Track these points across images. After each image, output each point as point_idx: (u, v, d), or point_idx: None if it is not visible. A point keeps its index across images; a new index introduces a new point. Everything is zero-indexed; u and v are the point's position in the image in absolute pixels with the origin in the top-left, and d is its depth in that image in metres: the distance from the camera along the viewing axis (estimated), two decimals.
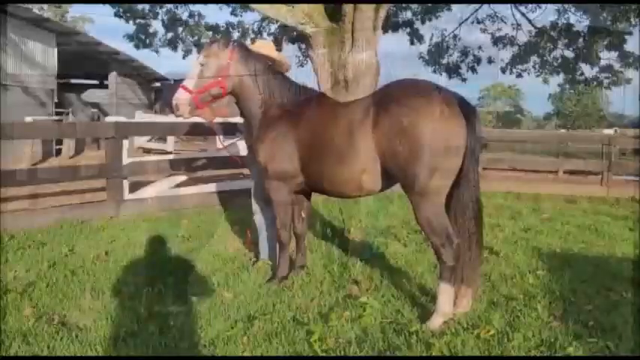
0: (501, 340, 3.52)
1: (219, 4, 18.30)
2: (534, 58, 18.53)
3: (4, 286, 4.13)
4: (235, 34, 19.86)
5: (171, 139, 14.67)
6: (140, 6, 17.60)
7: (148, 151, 15.16)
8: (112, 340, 3.32)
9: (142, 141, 16.44)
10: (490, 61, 18.75)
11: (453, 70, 19.34)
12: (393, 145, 3.71)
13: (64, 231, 5.94)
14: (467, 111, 3.67)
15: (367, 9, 10.73)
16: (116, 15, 17.21)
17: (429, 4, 17.65)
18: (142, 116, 17.03)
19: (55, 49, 15.39)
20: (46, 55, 14.90)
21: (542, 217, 7.64)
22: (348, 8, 11.00)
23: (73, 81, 21.36)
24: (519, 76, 18.60)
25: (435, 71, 19.51)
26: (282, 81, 4.51)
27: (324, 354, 3.28)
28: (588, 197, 9.56)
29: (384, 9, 11.29)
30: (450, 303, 3.78)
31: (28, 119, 11.93)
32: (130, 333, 3.43)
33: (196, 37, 19.42)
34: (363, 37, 11.01)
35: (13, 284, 4.20)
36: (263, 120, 4.44)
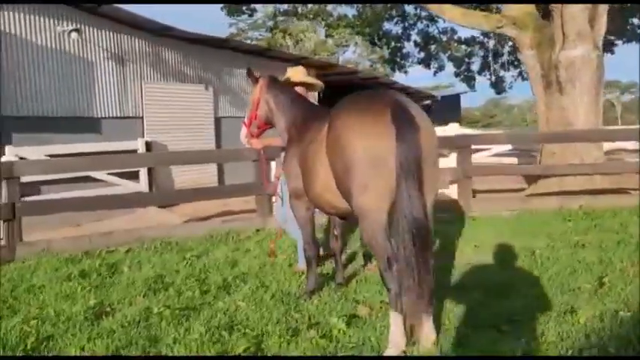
0: None
1: None
2: None
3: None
4: (491, 43, 19.25)
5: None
6: (394, 31, 18.71)
7: None
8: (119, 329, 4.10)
9: None
10: None
11: None
12: (330, 161, 3.63)
13: (214, 240, 7.11)
14: (400, 122, 3.31)
15: None
16: (371, 43, 18.65)
17: None
18: None
19: None
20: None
21: None
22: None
23: None
24: None
25: None
26: (301, 104, 4.71)
27: None
28: None
29: None
30: (399, 333, 3.41)
31: None
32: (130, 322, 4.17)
33: (449, 52, 19.51)
34: (574, 31, 9.75)
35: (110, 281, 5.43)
36: (287, 142, 4.72)
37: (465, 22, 10.62)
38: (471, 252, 5.89)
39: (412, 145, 3.26)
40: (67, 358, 3.68)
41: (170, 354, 3.61)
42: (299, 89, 5.13)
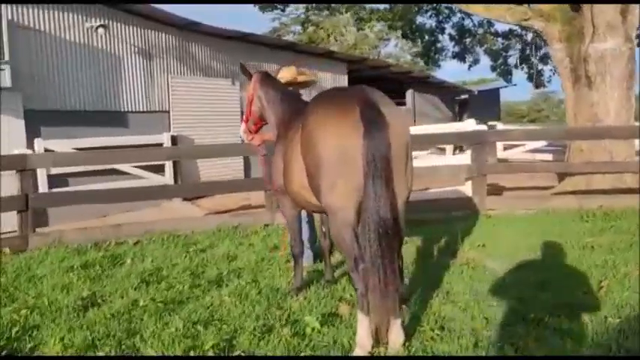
0: None
1: None
2: None
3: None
4: (529, 36, 18.66)
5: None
6: (427, 24, 18.38)
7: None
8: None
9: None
10: None
11: None
12: (303, 158, 3.59)
13: (221, 234, 7.15)
14: (368, 120, 3.22)
15: None
16: (403, 37, 18.37)
17: None
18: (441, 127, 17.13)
19: (346, 76, 17.47)
20: (336, 82, 17.06)
21: None
22: None
23: None
24: None
25: None
26: (290, 101, 4.66)
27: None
28: None
29: None
30: (366, 335, 3.34)
31: None
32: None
33: (486, 46, 19.00)
34: (604, 23, 9.34)
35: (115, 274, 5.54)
36: (276, 139, 4.69)
37: (489, 16, 10.32)
38: (474, 252, 5.73)
39: (380, 143, 3.18)
40: (64, 358, 3.66)
41: (142, 348, 3.65)
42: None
